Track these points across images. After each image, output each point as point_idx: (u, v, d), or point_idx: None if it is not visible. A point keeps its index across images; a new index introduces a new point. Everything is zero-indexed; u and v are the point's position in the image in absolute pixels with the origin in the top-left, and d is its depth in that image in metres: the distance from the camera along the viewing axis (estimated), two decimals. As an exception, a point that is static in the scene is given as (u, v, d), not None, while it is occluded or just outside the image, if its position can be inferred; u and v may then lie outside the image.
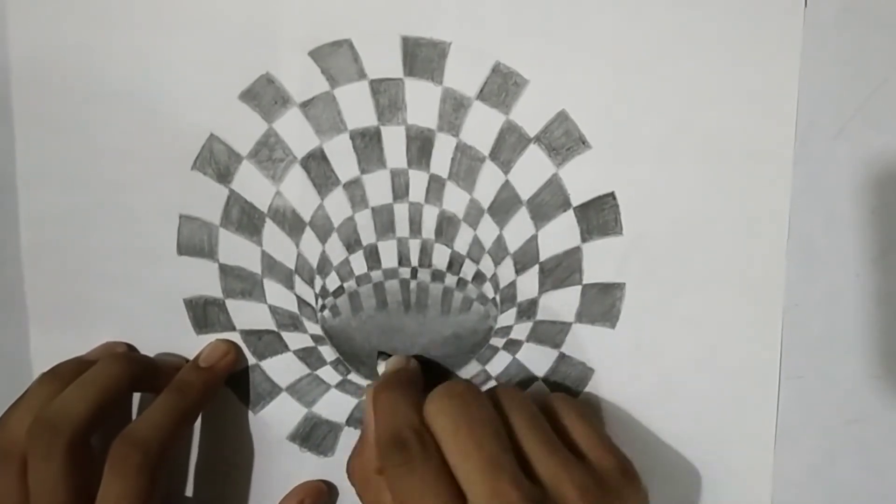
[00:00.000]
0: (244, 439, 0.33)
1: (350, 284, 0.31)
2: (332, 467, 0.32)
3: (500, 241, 0.29)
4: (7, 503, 0.28)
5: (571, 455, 0.25)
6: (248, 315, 0.32)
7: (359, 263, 0.31)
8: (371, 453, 0.25)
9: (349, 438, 0.32)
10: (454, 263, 0.30)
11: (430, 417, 0.25)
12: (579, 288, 0.29)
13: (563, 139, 0.28)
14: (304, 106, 0.30)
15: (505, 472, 0.23)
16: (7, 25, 0.31)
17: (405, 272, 0.30)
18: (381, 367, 0.30)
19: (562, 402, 0.27)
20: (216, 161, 0.31)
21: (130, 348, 0.33)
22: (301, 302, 0.31)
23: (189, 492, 0.34)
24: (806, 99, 0.26)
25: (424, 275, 0.30)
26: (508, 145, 0.29)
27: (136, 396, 0.33)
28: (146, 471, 0.27)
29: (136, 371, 0.30)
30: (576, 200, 0.29)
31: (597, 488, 0.24)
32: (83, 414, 0.28)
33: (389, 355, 0.30)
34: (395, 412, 0.25)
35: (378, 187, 0.30)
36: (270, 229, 0.31)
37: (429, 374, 0.30)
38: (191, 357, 0.32)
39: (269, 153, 0.30)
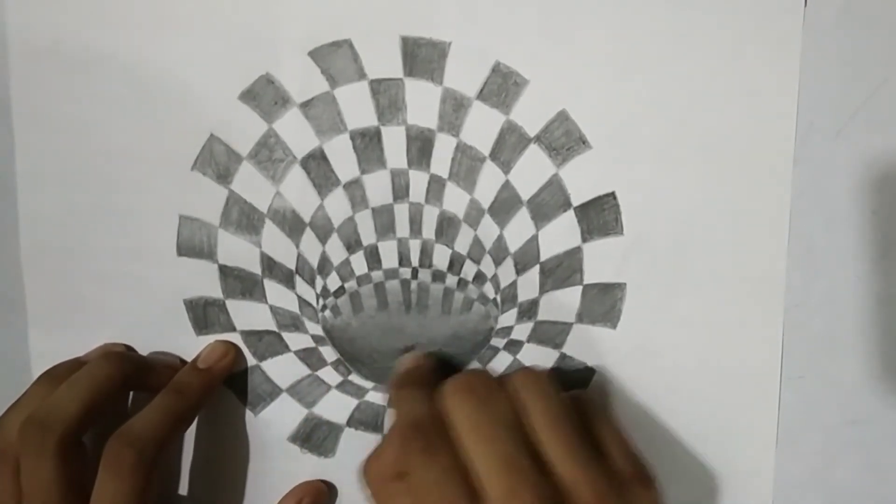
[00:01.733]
0: (244, 440, 0.33)
1: (351, 285, 0.31)
2: (333, 468, 0.32)
3: (500, 241, 0.29)
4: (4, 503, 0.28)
5: (592, 455, 0.24)
6: (248, 316, 0.32)
7: (359, 264, 0.31)
8: (391, 457, 0.24)
9: (350, 439, 0.32)
10: (455, 264, 0.30)
11: (446, 412, 0.24)
12: (580, 288, 0.29)
13: (563, 139, 0.28)
14: (304, 106, 0.30)
15: (521, 472, 0.22)
16: (6, 25, 0.31)
17: (406, 272, 0.30)
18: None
19: (587, 399, 0.27)
20: (216, 161, 0.31)
21: (129, 349, 0.33)
22: (302, 302, 0.31)
23: (189, 493, 0.34)
24: (806, 99, 0.26)
25: (425, 275, 0.30)
26: (509, 145, 0.29)
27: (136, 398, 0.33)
28: (141, 470, 0.27)
29: (128, 369, 0.30)
30: (576, 200, 0.29)
31: (615, 495, 0.23)
32: (74, 412, 0.28)
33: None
34: (415, 405, 0.25)
35: (378, 187, 0.30)
36: (270, 230, 0.31)
37: (443, 369, 0.30)
38: (191, 359, 0.32)
39: (269, 153, 0.30)
